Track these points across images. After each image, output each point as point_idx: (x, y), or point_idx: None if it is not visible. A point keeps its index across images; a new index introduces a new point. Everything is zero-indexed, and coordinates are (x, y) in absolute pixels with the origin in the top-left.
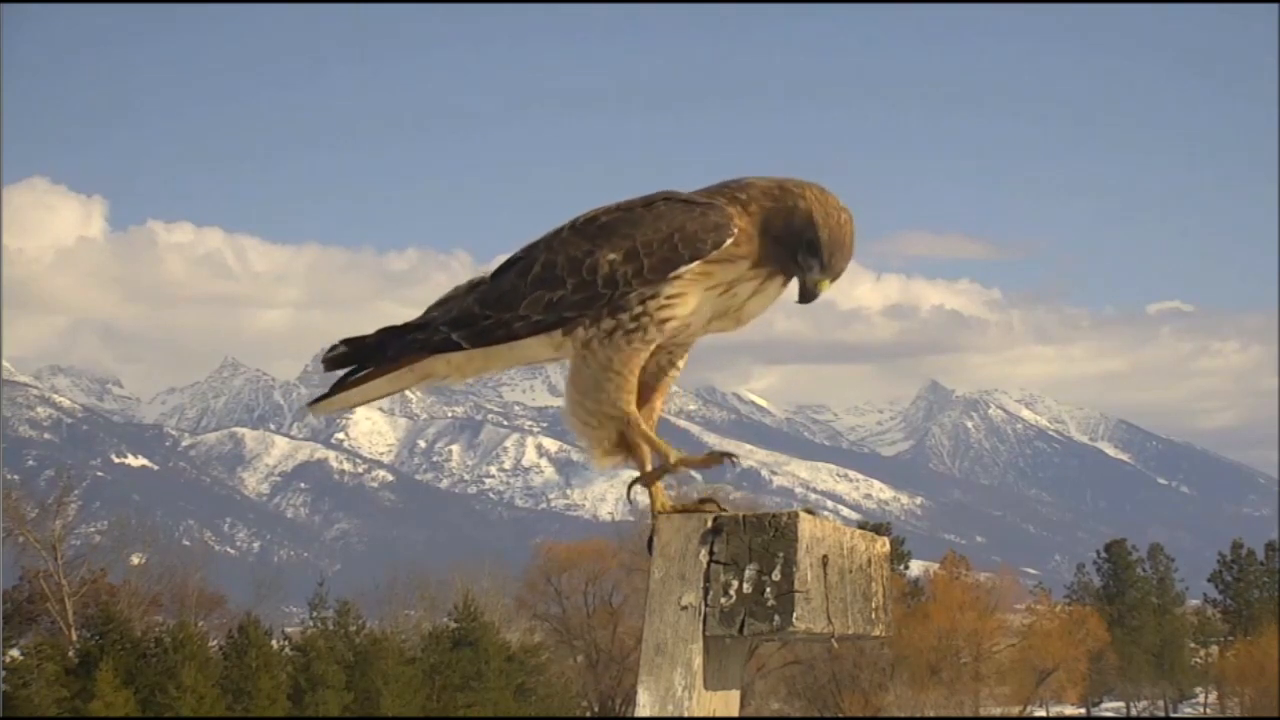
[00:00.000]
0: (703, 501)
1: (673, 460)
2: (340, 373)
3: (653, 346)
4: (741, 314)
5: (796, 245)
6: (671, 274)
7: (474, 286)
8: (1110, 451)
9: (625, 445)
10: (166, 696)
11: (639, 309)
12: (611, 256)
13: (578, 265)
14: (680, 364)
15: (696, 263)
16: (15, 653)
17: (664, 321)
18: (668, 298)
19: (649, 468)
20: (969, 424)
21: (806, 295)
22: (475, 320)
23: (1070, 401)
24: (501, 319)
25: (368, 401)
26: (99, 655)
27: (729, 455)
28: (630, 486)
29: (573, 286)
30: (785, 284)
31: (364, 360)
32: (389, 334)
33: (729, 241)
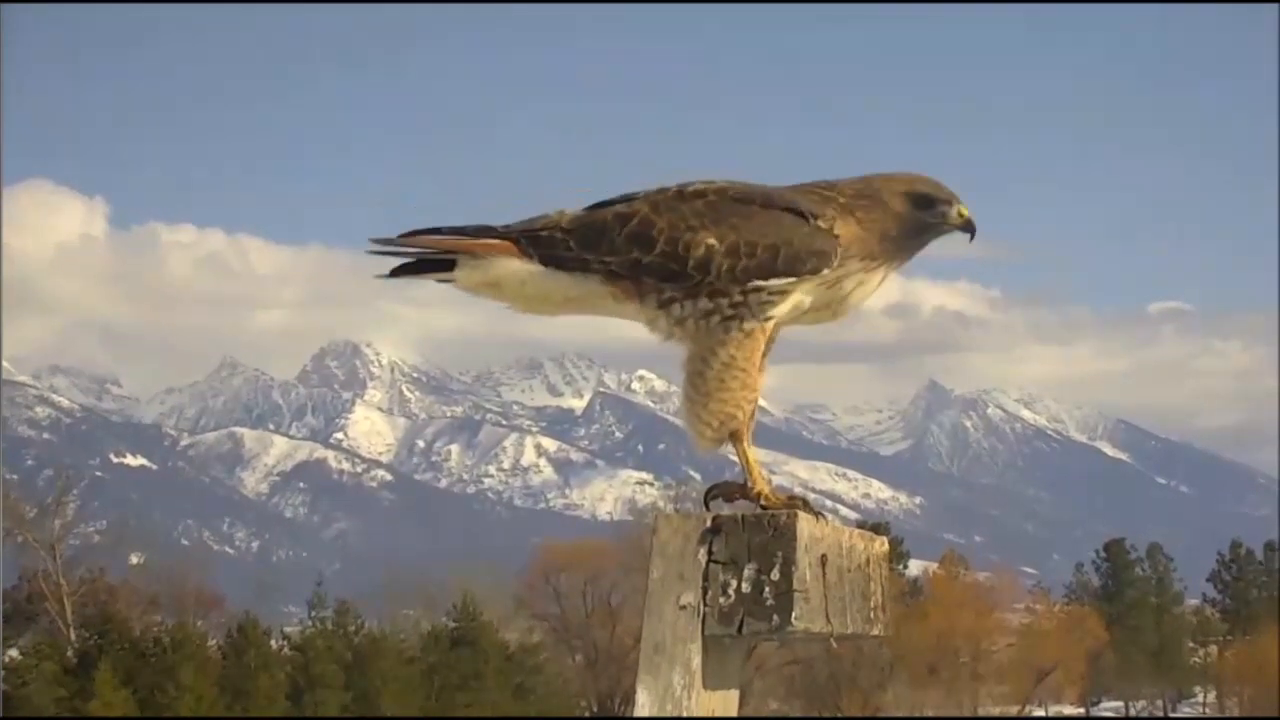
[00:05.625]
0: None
1: (755, 490)
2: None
3: (758, 334)
4: (842, 307)
5: (913, 219)
6: (762, 282)
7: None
8: (1109, 451)
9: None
10: (165, 696)
11: (739, 298)
12: (711, 242)
13: (676, 238)
14: (773, 337)
15: (790, 280)
16: (14, 652)
17: (766, 319)
18: (770, 294)
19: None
20: (968, 423)
21: (969, 228)
22: (558, 245)
23: (1069, 401)
24: (583, 257)
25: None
26: (98, 655)
27: (805, 502)
28: (709, 495)
29: (662, 255)
30: (888, 273)
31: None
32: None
33: (825, 271)
